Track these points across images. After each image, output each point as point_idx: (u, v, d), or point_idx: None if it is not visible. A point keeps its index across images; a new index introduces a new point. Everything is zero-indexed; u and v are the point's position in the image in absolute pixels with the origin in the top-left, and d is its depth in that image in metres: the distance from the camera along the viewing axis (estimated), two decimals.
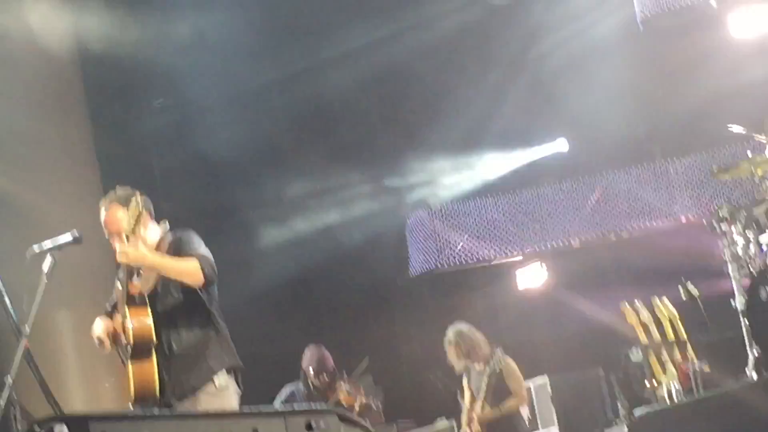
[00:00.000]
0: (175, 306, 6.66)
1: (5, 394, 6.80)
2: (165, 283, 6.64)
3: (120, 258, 6.51)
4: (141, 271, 6.79)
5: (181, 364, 6.60)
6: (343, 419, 3.18)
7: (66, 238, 7.03)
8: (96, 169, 11.50)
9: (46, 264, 6.91)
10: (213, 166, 12.73)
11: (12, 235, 10.28)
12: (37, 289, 6.88)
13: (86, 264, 10.06)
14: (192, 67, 12.57)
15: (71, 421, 3.00)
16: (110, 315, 6.92)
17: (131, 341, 6.52)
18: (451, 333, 9.85)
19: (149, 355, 6.56)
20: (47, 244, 6.99)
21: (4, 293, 8.13)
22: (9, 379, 6.78)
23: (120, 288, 6.67)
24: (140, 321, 6.55)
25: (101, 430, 3.02)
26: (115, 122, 12.43)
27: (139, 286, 6.71)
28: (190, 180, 12.57)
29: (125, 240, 6.49)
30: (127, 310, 6.55)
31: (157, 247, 6.79)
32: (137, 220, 6.42)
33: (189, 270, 6.50)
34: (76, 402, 9.94)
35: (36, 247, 7.01)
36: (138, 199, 6.40)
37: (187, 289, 6.63)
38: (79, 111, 11.58)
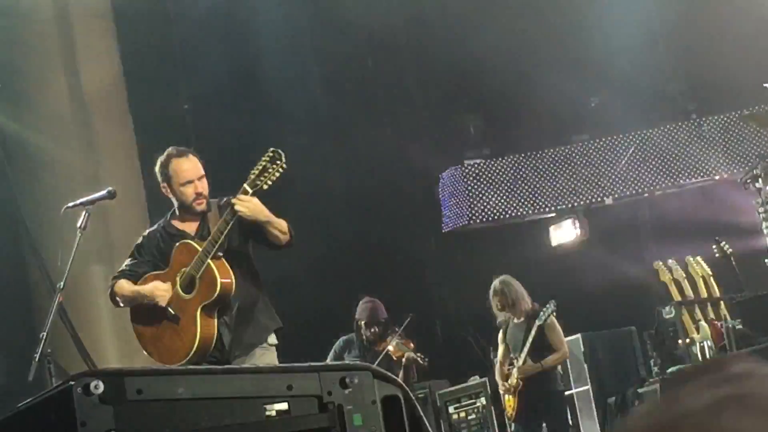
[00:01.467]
0: (238, 262, 6.67)
1: (39, 348, 6.87)
2: (231, 239, 6.62)
3: (241, 208, 6.45)
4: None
5: (240, 320, 6.62)
6: (377, 376, 3.17)
7: (100, 194, 7.11)
8: (129, 126, 11.56)
9: (81, 220, 6.97)
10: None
11: (46, 192, 10.35)
12: (71, 245, 6.95)
13: (121, 220, 10.14)
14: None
15: (106, 376, 3.01)
16: (134, 280, 6.86)
17: (215, 294, 6.51)
18: (497, 283, 9.83)
19: (216, 310, 6.58)
20: (81, 200, 7.06)
21: (39, 249, 8.14)
22: (43, 335, 6.86)
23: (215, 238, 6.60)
24: (226, 273, 6.54)
25: (137, 387, 3.02)
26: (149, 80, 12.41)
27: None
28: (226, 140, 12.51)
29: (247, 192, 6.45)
30: (212, 262, 6.52)
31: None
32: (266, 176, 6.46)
33: (285, 229, 6.55)
34: (111, 358, 10.05)
35: (71, 204, 7.08)
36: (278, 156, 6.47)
37: (246, 246, 6.72)
38: (113, 66, 11.62)
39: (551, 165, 13.37)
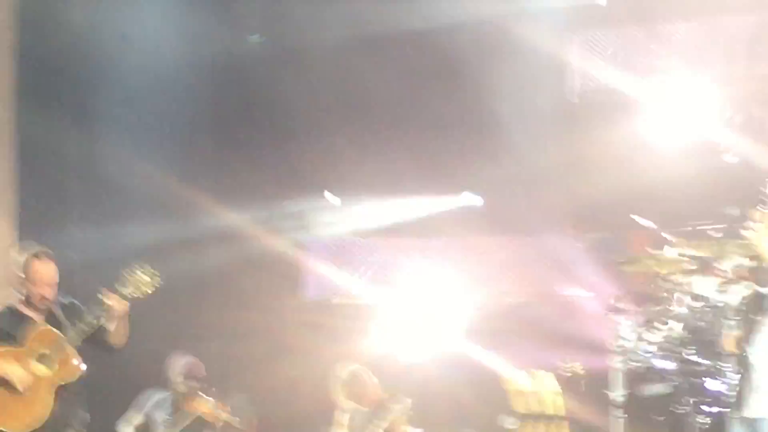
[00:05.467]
0: None
1: None
2: None
3: (120, 306, 7.45)
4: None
5: (72, 402, 7.69)
6: None
7: None
8: None
9: None
10: None
11: None
12: None
13: None
14: None
15: None
16: None
17: (73, 377, 7.57)
18: (345, 372, 9.81)
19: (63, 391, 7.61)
20: None
21: None
22: None
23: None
24: (80, 361, 7.74)
25: None
26: None
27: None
28: None
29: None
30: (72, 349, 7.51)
31: None
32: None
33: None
34: None
35: None
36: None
37: None
38: None
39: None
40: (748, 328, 6.59)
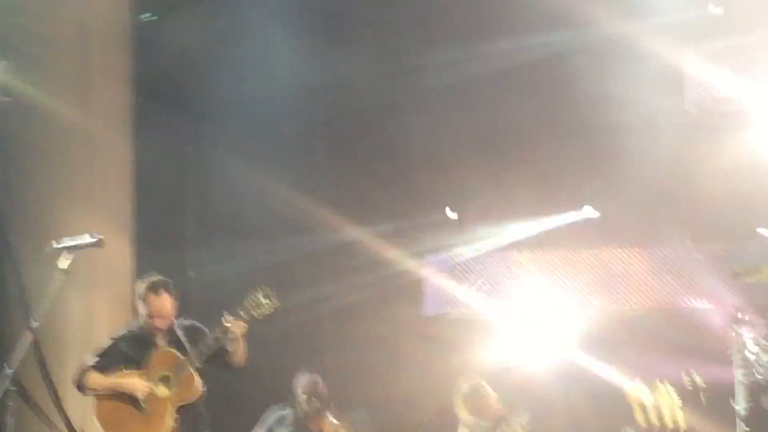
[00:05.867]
0: None
1: (3, 384, 6.90)
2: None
3: (240, 330, 7.69)
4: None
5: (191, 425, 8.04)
6: None
7: (87, 239, 7.18)
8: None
9: (65, 262, 7.01)
10: None
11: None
12: (51, 284, 7.00)
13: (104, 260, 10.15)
14: None
15: None
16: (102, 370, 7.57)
17: (194, 398, 7.93)
18: (465, 387, 9.82)
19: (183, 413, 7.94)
20: (67, 241, 7.13)
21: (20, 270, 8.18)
22: (8, 370, 6.90)
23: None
24: (201, 383, 8.15)
25: None
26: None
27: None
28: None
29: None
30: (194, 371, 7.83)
31: None
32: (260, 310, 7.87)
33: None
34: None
35: (55, 243, 7.15)
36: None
37: None
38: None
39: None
40: None
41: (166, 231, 12.81)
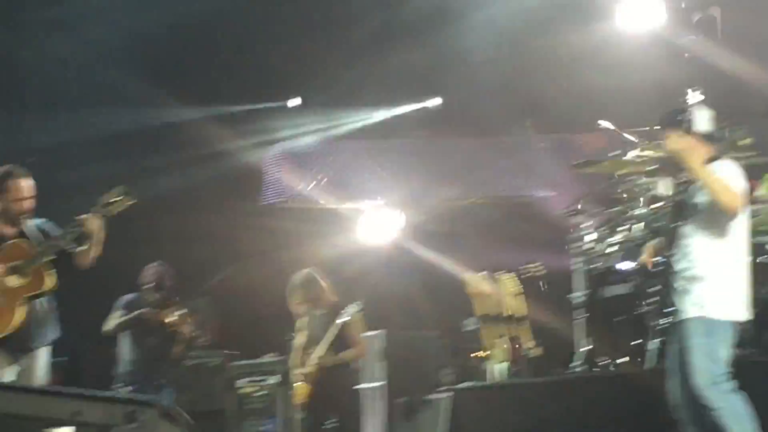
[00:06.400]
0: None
1: None
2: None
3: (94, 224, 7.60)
4: None
5: (44, 317, 7.69)
6: (164, 415, 3.12)
7: None
8: None
9: None
10: None
11: None
12: None
13: None
14: None
15: None
16: None
17: (44, 289, 7.67)
18: (298, 278, 9.83)
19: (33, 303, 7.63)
20: None
21: None
22: None
23: None
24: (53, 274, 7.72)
25: None
26: None
27: None
28: None
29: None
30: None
31: None
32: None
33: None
34: None
35: None
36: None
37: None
38: None
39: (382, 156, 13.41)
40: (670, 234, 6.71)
41: None
